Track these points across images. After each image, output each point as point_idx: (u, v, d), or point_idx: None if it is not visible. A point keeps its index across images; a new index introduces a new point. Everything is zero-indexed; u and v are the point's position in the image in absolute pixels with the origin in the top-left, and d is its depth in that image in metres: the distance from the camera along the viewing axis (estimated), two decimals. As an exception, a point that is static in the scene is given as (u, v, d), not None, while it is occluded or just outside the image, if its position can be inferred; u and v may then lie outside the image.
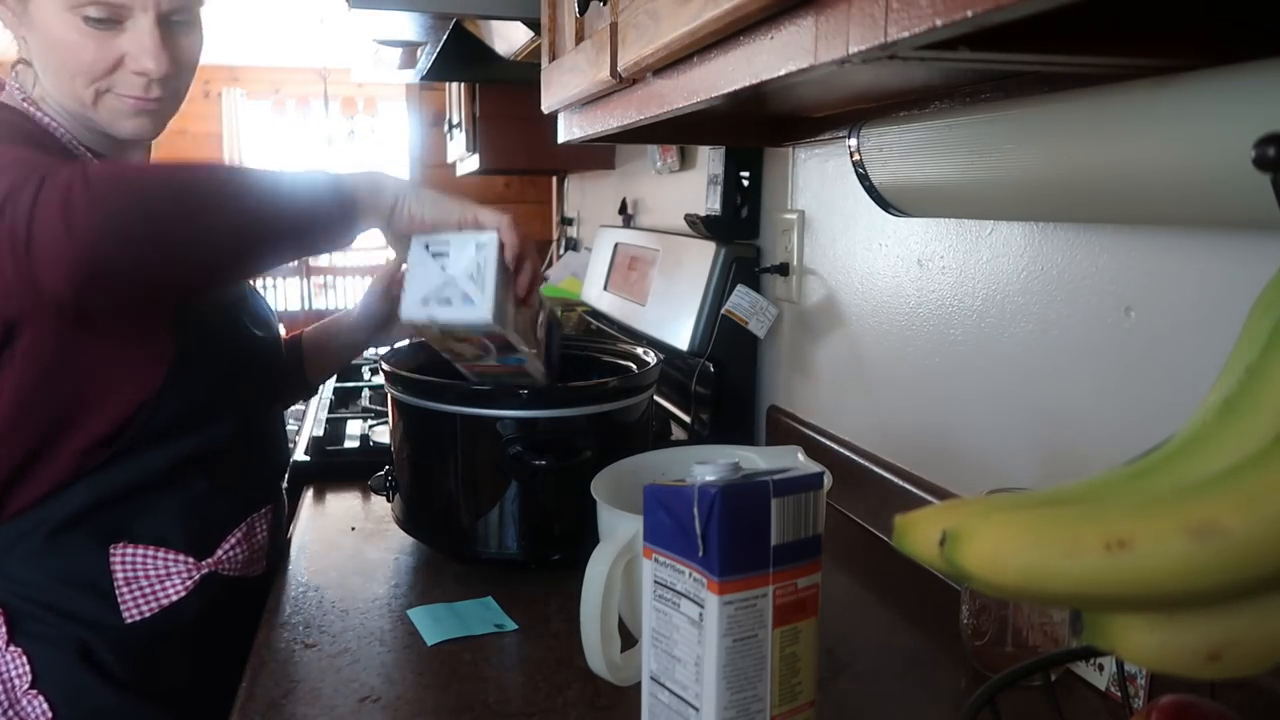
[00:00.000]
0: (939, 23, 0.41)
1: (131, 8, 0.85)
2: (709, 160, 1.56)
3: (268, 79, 7.55)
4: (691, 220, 1.51)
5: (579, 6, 0.98)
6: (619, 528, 0.71)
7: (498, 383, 0.96)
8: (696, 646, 0.59)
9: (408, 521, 1.07)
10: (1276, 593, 0.34)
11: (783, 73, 0.57)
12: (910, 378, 1.09)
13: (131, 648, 0.90)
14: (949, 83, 0.86)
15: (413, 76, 2.28)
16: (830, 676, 0.81)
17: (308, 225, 0.82)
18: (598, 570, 0.68)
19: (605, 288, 1.99)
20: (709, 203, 1.54)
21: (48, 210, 0.69)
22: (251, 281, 1.08)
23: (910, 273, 1.08)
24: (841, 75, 0.81)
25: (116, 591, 0.90)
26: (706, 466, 0.59)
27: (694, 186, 1.72)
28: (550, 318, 1.02)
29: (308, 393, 1.26)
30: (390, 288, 1.13)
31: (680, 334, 1.49)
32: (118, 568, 0.90)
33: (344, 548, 1.10)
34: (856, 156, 0.93)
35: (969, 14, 0.39)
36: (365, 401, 1.75)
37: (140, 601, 0.91)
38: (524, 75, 1.47)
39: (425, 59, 1.97)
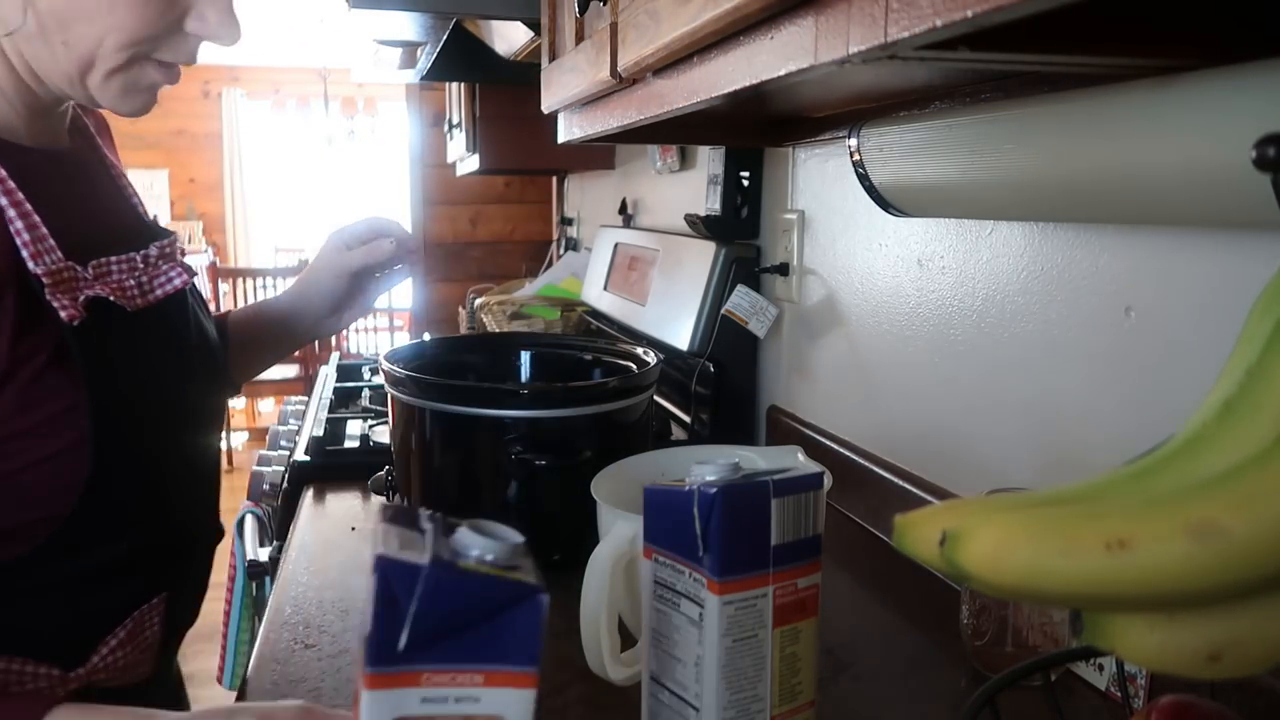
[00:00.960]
0: (939, 23, 0.41)
1: None
2: (709, 160, 1.56)
3: (268, 79, 7.55)
4: (691, 220, 1.51)
5: (579, 6, 0.98)
6: (619, 528, 0.71)
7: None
8: (696, 646, 0.58)
9: (408, 521, 1.07)
10: (1277, 593, 0.34)
11: (783, 73, 0.57)
12: (910, 378, 1.09)
13: None
14: (949, 83, 0.86)
15: (413, 76, 2.28)
16: (830, 676, 0.81)
17: None
18: (598, 570, 0.68)
19: (605, 288, 1.99)
20: (709, 203, 1.54)
21: None
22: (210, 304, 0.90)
23: (910, 273, 1.08)
24: (841, 75, 0.81)
25: None
26: (706, 466, 0.59)
27: (694, 186, 1.72)
28: None
29: (232, 392, 1.02)
30: (369, 263, 0.97)
31: (680, 334, 1.48)
32: None
33: (344, 548, 1.10)
34: (856, 156, 0.93)
35: (969, 14, 0.39)
36: (365, 401, 1.75)
37: None
38: (524, 75, 1.47)
39: (425, 59, 1.97)
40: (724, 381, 1.44)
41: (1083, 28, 0.54)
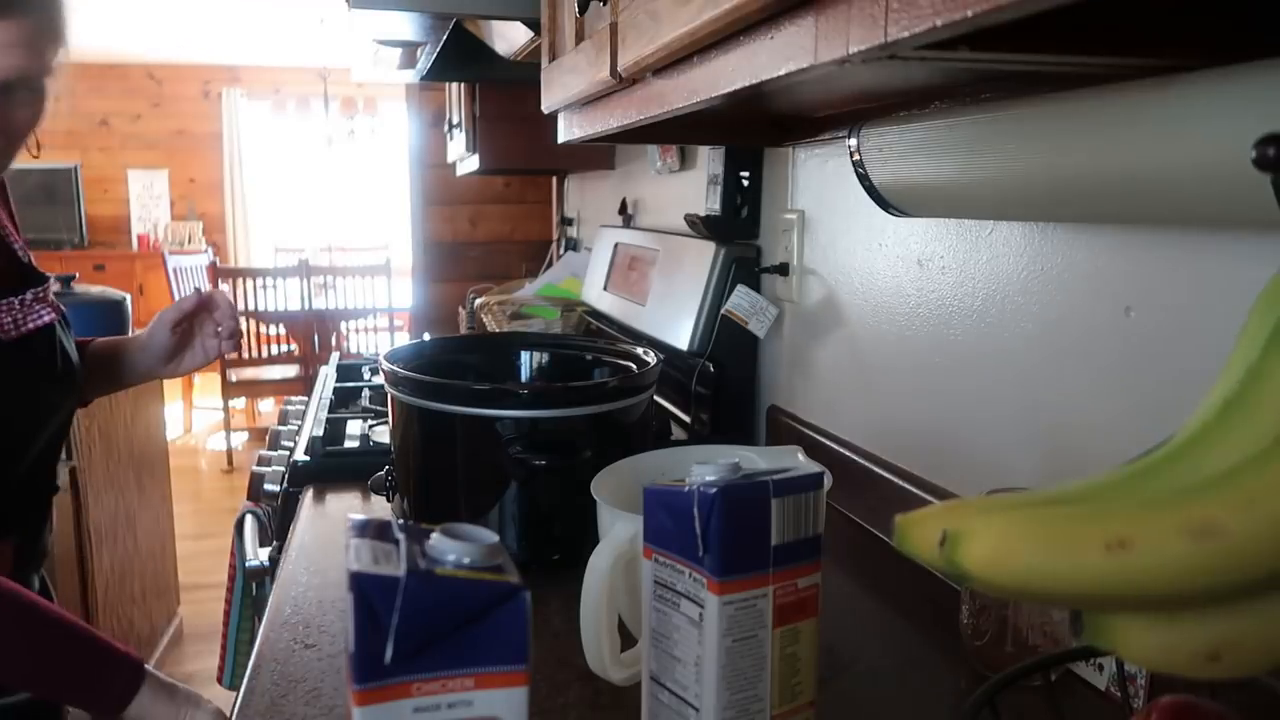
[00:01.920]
0: (939, 23, 0.41)
1: None
2: (709, 160, 1.56)
3: (268, 79, 7.55)
4: (691, 220, 1.51)
5: (579, 6, 0.98)
6: (619, 528, 0.71)
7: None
8: (696, 646, 0.59)
9: (408, 521, 1.07)
10: (1277, 593, 0.34)
11: (783, 72, 0.57)
12: (910, 378, 1.09)
13: None
14: (949, 83, 0.86)
15: (413, 76, 2.28)
16: (830, 676, 0.81)
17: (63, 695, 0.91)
18: (598, 570, 0.68)
19: (605, 288, 1.99)
20: (709, 203, 1.54)
21: None
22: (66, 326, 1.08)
23: (910, 273, 1.08)
24: (841, 75, 0.81)
25: None
26: (706, 466, 0.59)
27: (694, 186, 1.72)
28: None
29: (82, 404, 1.19)
30: (182, 321, 1.14)
31: (680, 334, 1.49)
32: None
33: (344, 547, 1.10)
34: (856, 156, 0.93)
35: (969, 14, 0.39)
36: (365, 401, 1.75)
37: None
38: (524, 75, 1.47)
39: (425, 59, 1.97)
40: (724, 381, 1.44)
41: (1083, 28, 0.54)
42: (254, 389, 4.81)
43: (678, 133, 1.39)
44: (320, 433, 1.42)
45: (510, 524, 0.98)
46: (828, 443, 1.24)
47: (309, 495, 1.30)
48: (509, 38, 1.71)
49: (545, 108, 1.21)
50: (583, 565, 0.69)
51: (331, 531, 1.16)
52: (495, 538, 0.47)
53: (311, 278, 4.66)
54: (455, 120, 2.82)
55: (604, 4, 0.90)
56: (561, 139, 1.21)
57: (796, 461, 0.84)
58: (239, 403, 5.19)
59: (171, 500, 2.89)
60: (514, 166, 2.76)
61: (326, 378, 1.89)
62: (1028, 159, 0.73)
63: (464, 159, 2.83)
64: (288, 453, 1.52)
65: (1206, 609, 0.36)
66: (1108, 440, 0.80)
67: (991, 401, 0.95)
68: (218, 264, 4.97)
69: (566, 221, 3.14)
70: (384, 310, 4.85)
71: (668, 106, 0.80)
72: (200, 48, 6.73)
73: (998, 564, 0.35)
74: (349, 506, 1.25)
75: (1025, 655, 0.74)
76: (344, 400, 1.76)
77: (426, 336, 2.19)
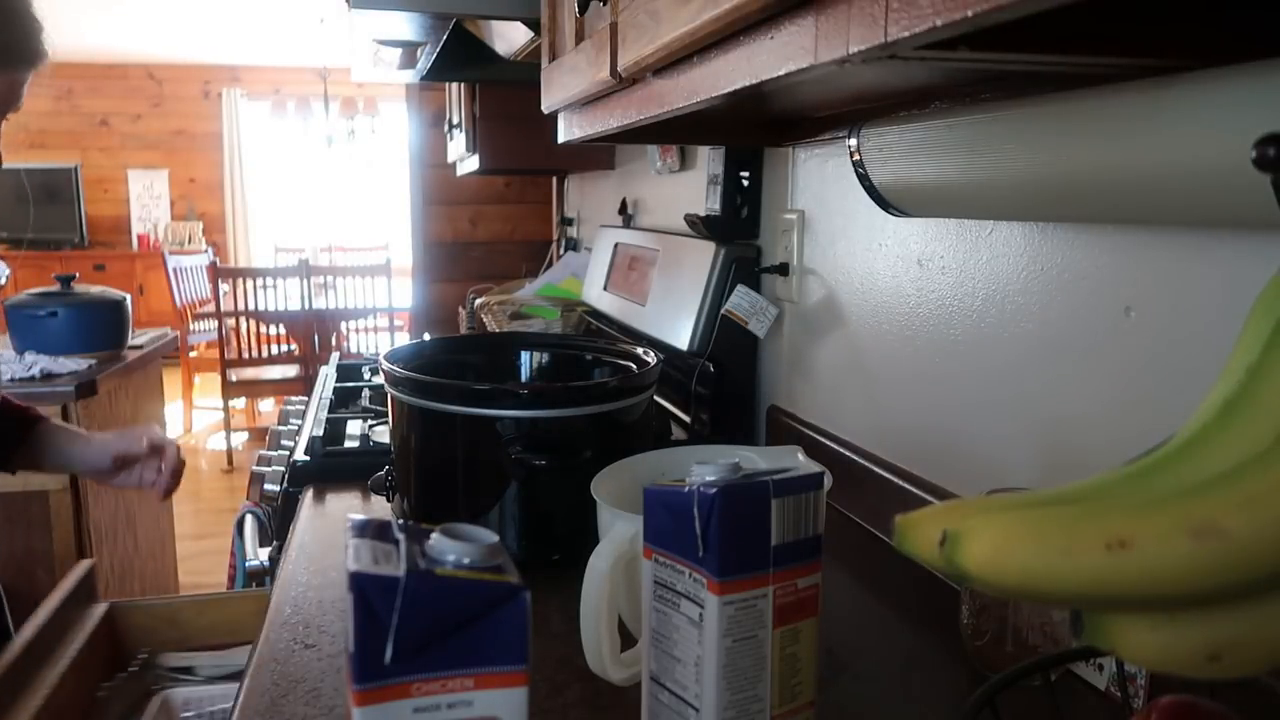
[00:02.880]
0: (939, 22, 0.41)
1: None
2: (709, 160, 1.56)
3: (268, 79, 7.55)
4: (691, 220, 1.51)
5: (579, 6, 0.98)
6: (619, 528, 0.71)
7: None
8: (696, 646, 0.59)
9: (408, 521, 1.07)
10: (1277, 593, 0.34)
11: (783, 72, 0.57)
12: (910, 378, 1.09)
13: None
14: (949, 83, 0.86)
15: (413, 76, 2.27)
16: (830, 676, 0.81)
17: None
18: (598, 570, 0.68)
19: (605, 288, 1.99)
20: (709, 203, 1.54)
21: None
22: None
23: (910, 273, 1.08)
24: (841, 75, 0.81)
25: None
26: (706, 466, 0.59)
27: (694, 186, 1.72)
28: None
29: (9, 471, 1.26)
30: (127, 459, 1.20)
31: (680, 334, 1.49)
32: None
33: (344, 548, 1.10)
34: (856, 156, 0.93)
35: (969, 14, 0.39)
36: (365, 401, 1.75)
37: None
38: (524, 75, 1.47)
39: (425, 59, 1.97)
40: (724, 381, 1.44)
41: (1083, 28, 0.54)
42: (254, 389, 4.80)
43: (678, 133, 1.39)
44: (320, 433, 1.42)
45: (510, 524, 0.98)
46: (828, 443, 1.24)
47: (309, 495, 1.30)
48: (509, 38, 1.71)
49: (545, 108, 1.21)
50: (583, 565, 0.69)
51: (331, 531, 1.16)
52: (495, 538, 0.47)
53: (311, 278, 4.66)
54: (455, 120, 2.82)
55: (604, 4, 0.90)
56: (561, 139, 1.21)
57: (796, 461, 0.84)
58: (239, 403, 5.19)
59: (171, 500, 2.89)
60: (514, 166, 2.76)
61: (326, 378, 1.89)
62: (1028, 159, 0.73)
63: (464, 159, 2.83)
64: (288, 453, 1.52)
65: (1207, 609, 0.36)
66: (1108, 440, 0.80)
67: (992, 401, 0.95)
68: (218, 264, 4.97)
69: (566, 221, 3.14)
70: (384, 310, 4.85)
71: (668, 106, 0.80)
72: (200, 48, 6.74)
73: (998, 564, 0.35)
74: (349, 506, 1.25)
75: (1025, 655, 0.74)
76: (344, 400, 1.76)
77: (426, 336, 2.19)
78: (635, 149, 2.17)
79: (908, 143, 0.86)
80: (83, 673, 1.25)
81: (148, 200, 7.50)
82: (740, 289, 1.40)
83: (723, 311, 1.40)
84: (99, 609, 1.40)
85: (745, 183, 1.47)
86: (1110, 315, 0.79)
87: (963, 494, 0.99)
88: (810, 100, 1.06)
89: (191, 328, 5.35)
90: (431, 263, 3.52)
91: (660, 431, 1.41)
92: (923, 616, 0.93)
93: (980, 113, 0.77)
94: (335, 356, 2.12)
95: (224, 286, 4.63)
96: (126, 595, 2.39)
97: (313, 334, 4.70)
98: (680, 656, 0.60)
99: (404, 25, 1.66)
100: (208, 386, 5.60)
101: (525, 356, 1.27)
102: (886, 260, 1.12)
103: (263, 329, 4.74)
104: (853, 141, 0.93)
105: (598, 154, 2.43)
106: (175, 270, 5.46)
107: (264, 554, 1.33)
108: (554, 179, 3.39)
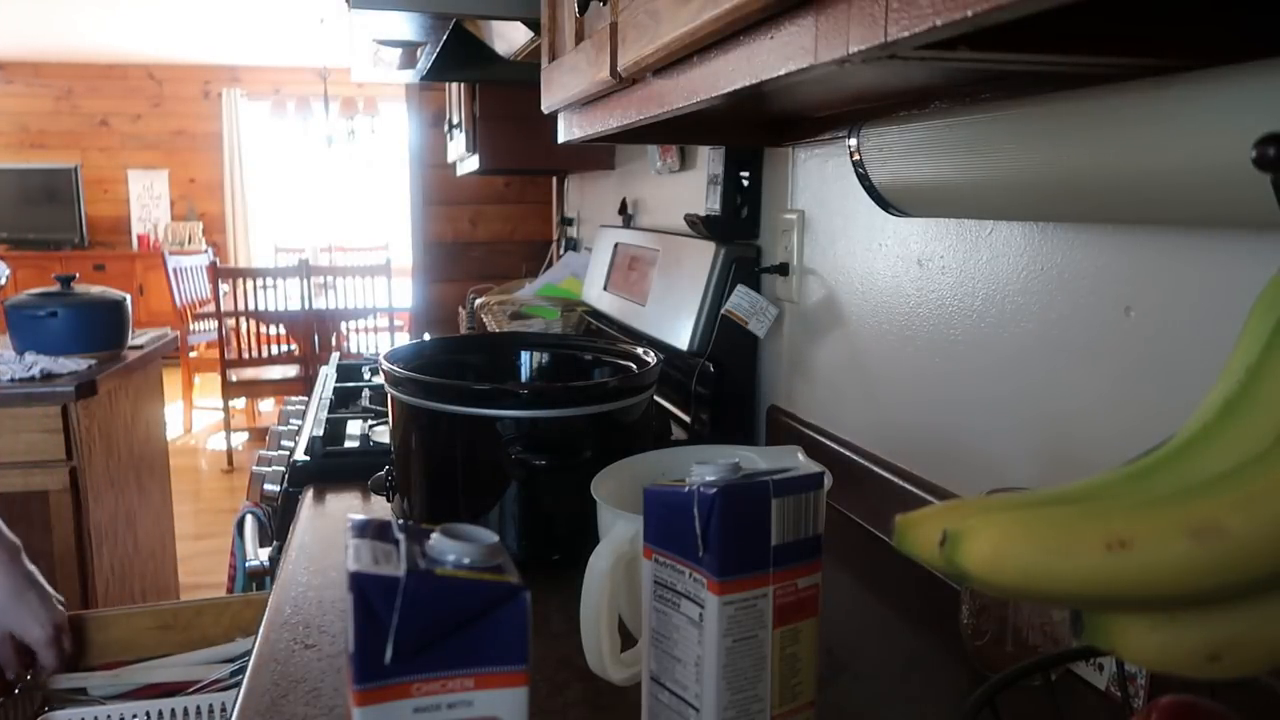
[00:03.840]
0: (939, 22, 0.41)
1: None
2: (709, 160, 1.56)
3: (268, 79, 7.55)
4: (691, 220, 1.51)
5: (579, 6, 0.98)
6: (619, 528, 0.71)
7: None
8: (696, 646, 0.59)
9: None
10: (1277, 593, 0.34)
11: (783, 72, 0.57)
12: (910, 378, 1.09)
13: None
14: (949, 83, 0.86)
15: (413, 76, 2.27)
16: (830, 676, 0.81)
17: None
18: (598, 570, 0.68)
19: (605, 288, 1.99)
20: (709, 203, 1.54)
21: None
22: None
23: (910, 273, 1.08)
24: (841, 75, 0.81)
25: None
26: (706, 466, 0.59)
27: (694, 186, 1.72)
28: None
29: None
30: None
31: (680, 334, 1.49)
32: None
33: (344, 548, 1.10)
34: (856, 156, 0.93)
35: (969, 14, 0.39)
36: (365, 401, 1.75)
37: None
38: (524, 75, 1.47)
39: (425, 59, 1.97)
40: (724, 381, 1.44)
41: (1083, 27, 0.54)
42: (254, 389, 4.80)
43: (678, 133, 1.39)
44: (320, 433, 1.42)
45: (510, 524, 0.98)
46: (828, 443, 1.24)
47: (309, 495, 1.30)
48: (509, 38, 1.71)
49: (545, 108, 1.21)
50: (583, 565, 0.69)
51: (331, 531, 1.16)
52: (495, 538, 0.47)
53: (311, 278, 4.66)
54: (455, 120, 2.82)
55: (604, 4, 0.90)
56: (561, 139, 1.21)
57: (796, 461, 0.84)
58: (239, 403, 5.19)
59: (171, 500, 2.89)
60: (514, 166, 2.77)
61: (326, 378, 1.89)
62: (1027, 159, 0.73)
63: (464, 159, 2.83)
64: (288, 453, 1.52)
65: (1206, 609, 0.36)
66: (1108, 440, 0.80)
67: (992, 401, 0.95)
68: (218, 264, 4.97)
69: (566, 221, 3.14)
70: (384, 310, 4.85)
71: (668, 106, 0.80)
72: (200, 48, 6.74)
73: (998, 564, 0.35)
74: (349, 506, 1.25)
75: (1025, 655, 0.74)
76: (344, 400, 1.76)
77: (426, 336, 2.19)
78: (635, 149, 2.17)
79: (907, 143, 0.86)
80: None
81: (148, 200, 7.50)
82: (740, 289, 1.40)
83: (723, 311, 1.40)
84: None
85: (745, 183, 1.47)
86: (1110, 315, 0.79)
87: (963, 494, 0.99)
88: (810, 100, 1.06)
89: (191, 328, 5.35)
90: (431, 263, 3.52)
91: (660, 431, 1.41)
92: (923, 616, 0.93)
93: (980, 113, 0.77)
94: (335, 356, 2.12)
95: (224, 286, 4.63)
96: (126, 595, 2.40)
97: (313, 334, 4.70)
98: (680, 656, 0.60)
99: (404, 25, 1.66)
100: (208, 387, 5.61)
101: (525, 356, 1.27)
102: (886, 260, 1.12)
103: (263, 329, 4.74)
104: (853, 141, 0.93)
105: (598, 154, 2.43)
106: (175, 270, 5.46)
107: (264, 554, 1.33)
108: (554, 179, 3.39)
